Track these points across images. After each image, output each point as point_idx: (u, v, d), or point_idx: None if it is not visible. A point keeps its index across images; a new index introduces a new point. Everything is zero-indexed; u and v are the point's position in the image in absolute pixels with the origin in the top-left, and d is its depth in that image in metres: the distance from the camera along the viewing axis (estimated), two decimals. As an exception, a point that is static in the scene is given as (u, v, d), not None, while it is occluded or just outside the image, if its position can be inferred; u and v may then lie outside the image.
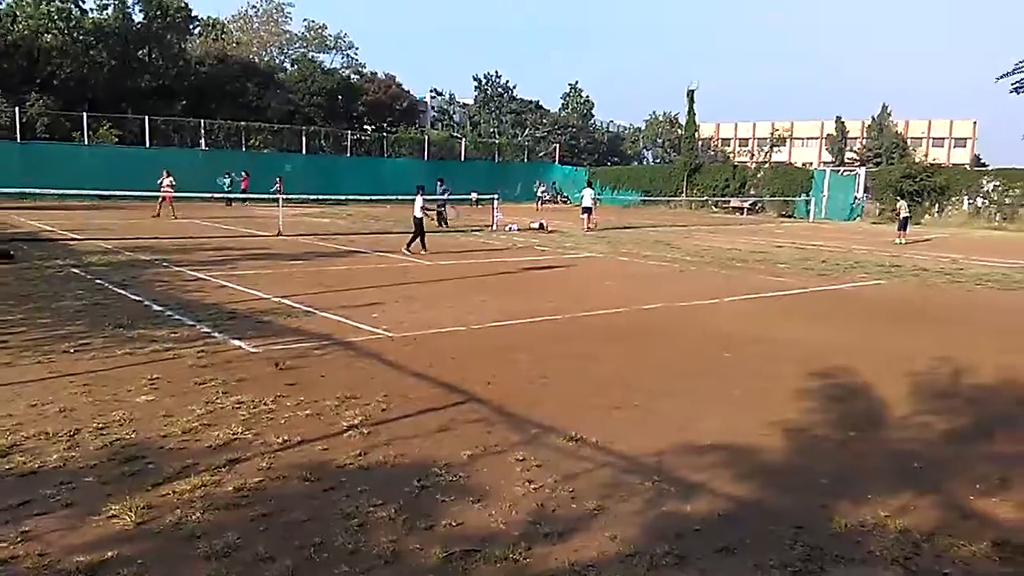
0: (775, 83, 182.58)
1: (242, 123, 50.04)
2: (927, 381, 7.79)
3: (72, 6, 52.11)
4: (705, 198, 48.91)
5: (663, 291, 13.76)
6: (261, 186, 37.01)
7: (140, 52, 55.18)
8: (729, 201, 47.70)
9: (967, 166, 66.51)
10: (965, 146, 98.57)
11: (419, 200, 19.01)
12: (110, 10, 53.77)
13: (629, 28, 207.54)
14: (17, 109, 40.67)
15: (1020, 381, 7.97)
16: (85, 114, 42.43)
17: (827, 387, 7.45)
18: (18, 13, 48.73)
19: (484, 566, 3.88)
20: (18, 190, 28.24)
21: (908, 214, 27.99)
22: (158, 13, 54.37)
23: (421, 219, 18.81)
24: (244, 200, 37.54)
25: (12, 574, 3.68)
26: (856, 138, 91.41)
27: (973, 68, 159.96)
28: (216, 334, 8.91)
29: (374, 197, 34.13)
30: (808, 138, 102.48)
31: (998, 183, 39.59)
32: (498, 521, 4.36)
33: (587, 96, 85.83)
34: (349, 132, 54.92)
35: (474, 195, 34.55)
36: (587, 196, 30.09)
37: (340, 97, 65.25)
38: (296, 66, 68.08)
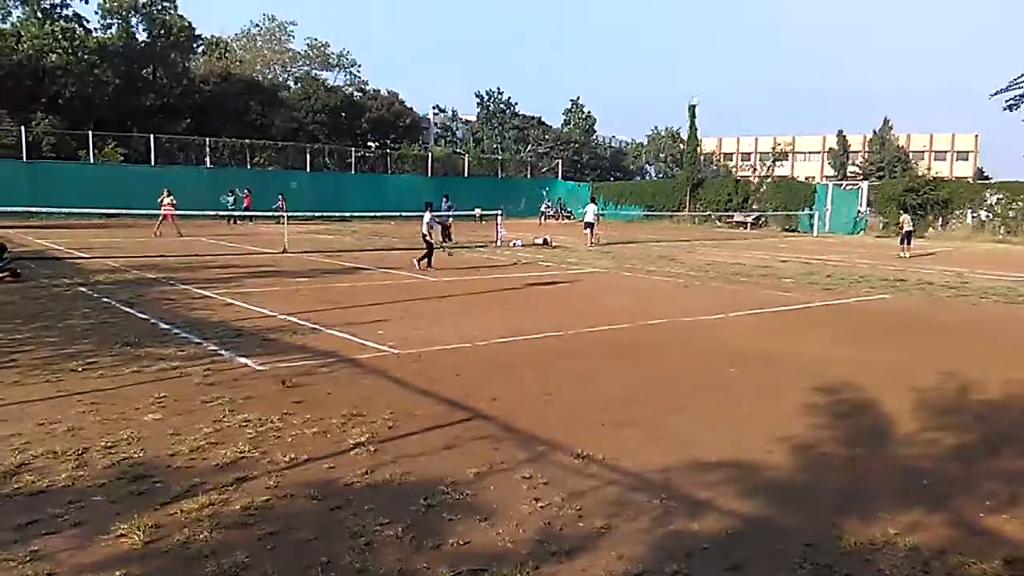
0: (777, 97, 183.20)
1: (246, 141, 50.27)
2: (934, 396, 7.77)
3: (76, 26, 52.57)
4: (708, 213, 48.95)
5: (668, 306, 13.76)
6: (264, 204, 37.17)
7: (144, 71, 55.57)
8: (732, 216, 47.74)
9: (970, 179, 66.44)
10: (967, 159, 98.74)
11: (427, 216, 19.11)
12: (114, 29, 54.23)
13: (630, 44, 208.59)
14: (23, 128, 40.94)
15: (1027, 396, 7.94)
16: (91, 133, 42.70)
17: (833, 403, 7.44)
18: (23, 33, 49.16)
19: (492, 585, 3.88)
20: (25, 209, 28.39)
21: (911, 228, 27.91)
22: (162, 32, 54.83)
23: (428, 235, 18.97)
24: (248, 218, 37.69)
25: (21, 595, 3.68)
26: (858, 152, 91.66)
27: (974, 81, 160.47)
28: (223, 352, 8.94)
29: (378, 214, 34.28)
30: (810, 152, 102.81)
31: (1001, 196, 39.58)
32: (505, 540, 4.35)
33: (589, 112, 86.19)
34: (353, 149, 55.14)
35: (478, 211, 34.65)
36: (590, 211, 30.14)
37: (343, 114, 65.57)
38: (300, 84, 68.50)
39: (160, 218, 29.29)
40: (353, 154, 53.89)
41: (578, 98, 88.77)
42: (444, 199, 28.55)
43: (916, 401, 7.53)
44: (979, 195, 40.78)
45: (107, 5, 53.67)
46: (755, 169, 63.41)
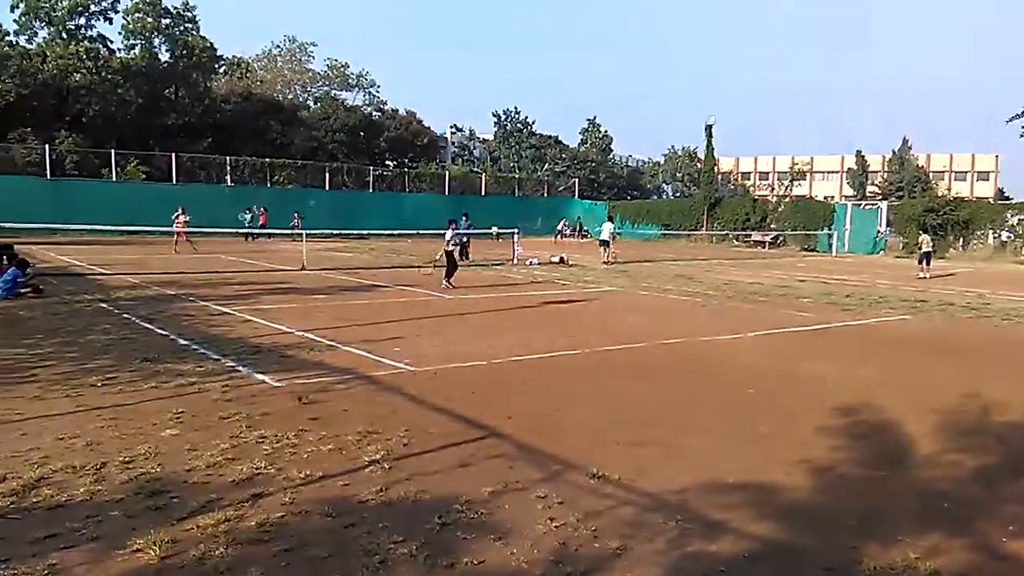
0: (794, 117, 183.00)
1: (266, 160, 50.85)
2: (955, 418, 7.67)
3: (100, 46, 53.62)
4: (726, 232, 48.82)
5: (685, 325, 13.70)
6: (283, 222, 37.51)
7: (167, 91, 56.50)
8: (750, 235, 47.56)
9: (991, 200, 65.99)
10: (988, 179, 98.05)
11: (448, 234, 19.25)
12: (137, 50, 55.24)
13: (647, 64, 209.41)
14: (47, 147, 41.68)
15: (1051, 419, 7.83)
16: (113, 151, 43.37)
17: (853, 424, 7.36)
18: (48, 53, 50.15)
19: (507, 605, 3.85)
20: (48, 226, 28.79)
21: (930, 248, 27.52)
22: (184, 53, 55.75)
23: (452, 252, 19.08)
24: (264, 235, 38.05)
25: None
26: (877, 172, 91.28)
27: (995, 102, 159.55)
28: (241, 368, 8.99)
29: (396, 232, 34.45)
30: (828, 172, 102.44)
31: (1023, 217, 39.23)
32: (520, 559, 4.33)
33: (606, 131, 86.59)
34: (371, 168, 55.59)
35: (494, 229, 34.75)
36: (606, 230, 30.32)
37: (362, 134, 66.25)
38: (319, 104, 69.33)
39: (176, 236, 29.64)
40: (371, 173, 54.31)
41: (595, 117, 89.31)
42: (464, 217, 28.68)
43: (937, 423, 7.43)
44: (1000, 216, 40.46)
45: (130, 26, 54.75)
46: (773, 188, 63.19)
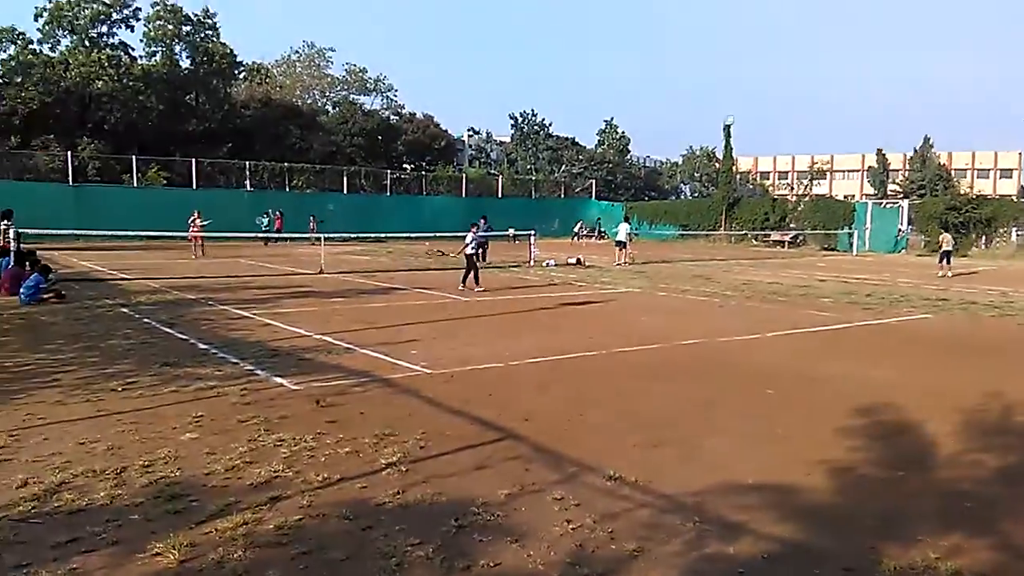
0: (814, 116, 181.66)
1: (285, 164, 51.21)
2: (977, 417, 7.57)
3: (122, 54, 54.25)
4: (744, 232, 48.53)
5: (703, 326, 13.63)
6: (302, 225, 37.76)
7: (187, 97, 57.05)
8: (769, 235, 47.25)
9: (1014, 197, 65.09)
10: (1011, 177, 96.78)
11: (469, 237, 19.30)
12: (158, 57, 55.81)
13: (665, 64, 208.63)
14: (70, 153, 42.24)
15: (1076, 418, 7.71)
16: (135, 157, 43.84)
17: (873, 424, 7.29)
18: (71, 61, 50.79)
19: (523, 607, 3.85)
20: (71, 231, 29.13)
21: (951, 248, 27.06)
22: (204, 59, 56.26)
23: (472, 255, 19.13)
24: (279, 239, 38.32)
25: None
26: (898, 170, 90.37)
27: (1018, 98, 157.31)
28: (259, 372, 9.05)
29: (413, 235, 34.55)
30: (849, 171, 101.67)
31: (1047, 214, 38.72)
32: (536, 562, 4.32)
33: (623, 132, 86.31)
34: (389, 171, 55.88)
35: (511, 231, 34.76)
36: (622, 231, 30.31)
37: (380, 137, 66.53)
38: (337, 108, 69.77)
39: (194, 240, 29.92)
40: (389, 176, 54.58)
41: (612, 118, 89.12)
42: (483, 220, 28.75)
43: (958, 422, 7.34)
44: (1024, 213, 39.92)
45: (152, 33, 55.33)
46: (792, 188, 62.75)
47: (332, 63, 75.41)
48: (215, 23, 57.63)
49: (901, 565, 4.34)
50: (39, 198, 36.20)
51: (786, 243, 45.80)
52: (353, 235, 35.03)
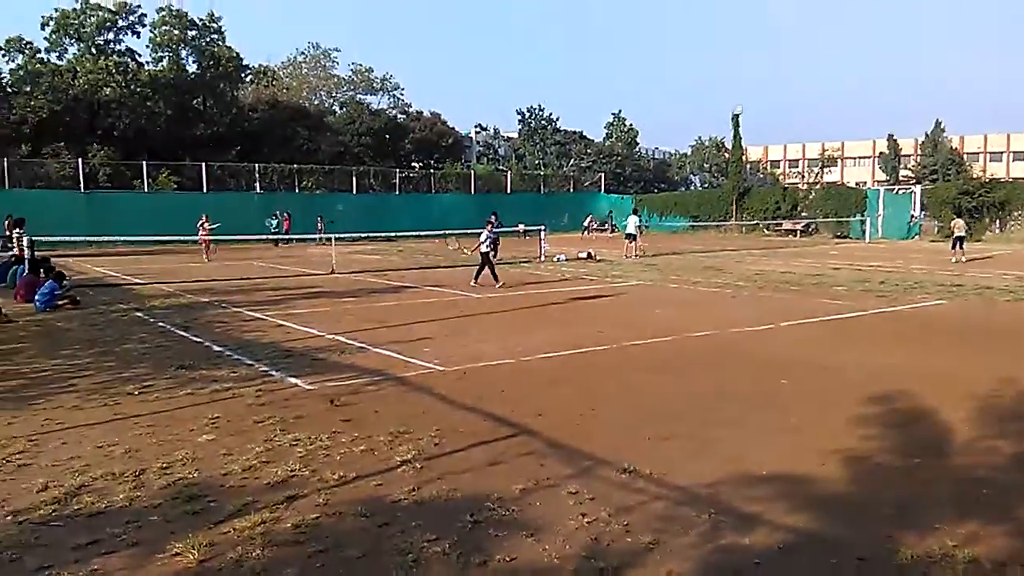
0: (823, 103, 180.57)
1: (294, 166, 51.34)
2: (992, 404, 7.53)
3: (129, 60, 54.49)
4: (756, 222, 48.29)
5: (715, 317, 13.60)
6: (311, 227, 37.91)
7: (195, 101, 57.27)
8: (781, 224, 47.01)
9: (1028, 180, 64.40)
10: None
11: (484, 235, 19.34)
12: (165, 62, 56.01)
13: (672, 55, 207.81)
14: (80, 160, 42.50)
15: (1093, 402, 7.65)
16: (145, 163, 44.08)
17: (888, 412, 7.27)
18: (79, 69, 51.06)
19: (539, 601, 3.87)
20: (84, 238, 29.38)
21: (963, 233, 26.73)
22: (211, 63, 56.43)
23: (487, 252, 19.16)
24: (288, 240, 38.49)
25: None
26: (910, 156, 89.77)
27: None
28: (274, 372, 9.11)
29: (423, 233, 34.61)
30: (860, 157, 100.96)
31: (1062, 196, 38.32)
32: (552, 556, 4.34)
33: (631, 124, 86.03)
34: (397, 170, 55.88)
35: (521, 227, 34.76)
36: (631, 223, 30.28)
37: (388, 136, 66.61)
38: (344, 108, 69.89)
39: (203, 244, 30.11)
40: (397, 175, 54.60)
41: (620, 111, 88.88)
42: (493, 216, 28.79)
43: (974, 409, 7.30)
44: (1038, 196, 39.51)
45: (158, 39, 55.54)
46: (803, 176, 62.32)
47: (338, 63, 75.57)
48: (220, 27, 57.81)
49: (918, 553, 4.33)
50: (51, 206, 36.46)
51: (798, 232, 45.53)
52: (363, 235, 35.14)
